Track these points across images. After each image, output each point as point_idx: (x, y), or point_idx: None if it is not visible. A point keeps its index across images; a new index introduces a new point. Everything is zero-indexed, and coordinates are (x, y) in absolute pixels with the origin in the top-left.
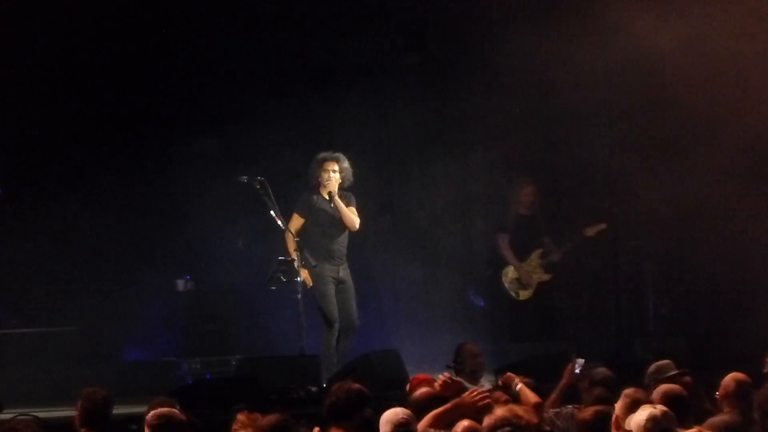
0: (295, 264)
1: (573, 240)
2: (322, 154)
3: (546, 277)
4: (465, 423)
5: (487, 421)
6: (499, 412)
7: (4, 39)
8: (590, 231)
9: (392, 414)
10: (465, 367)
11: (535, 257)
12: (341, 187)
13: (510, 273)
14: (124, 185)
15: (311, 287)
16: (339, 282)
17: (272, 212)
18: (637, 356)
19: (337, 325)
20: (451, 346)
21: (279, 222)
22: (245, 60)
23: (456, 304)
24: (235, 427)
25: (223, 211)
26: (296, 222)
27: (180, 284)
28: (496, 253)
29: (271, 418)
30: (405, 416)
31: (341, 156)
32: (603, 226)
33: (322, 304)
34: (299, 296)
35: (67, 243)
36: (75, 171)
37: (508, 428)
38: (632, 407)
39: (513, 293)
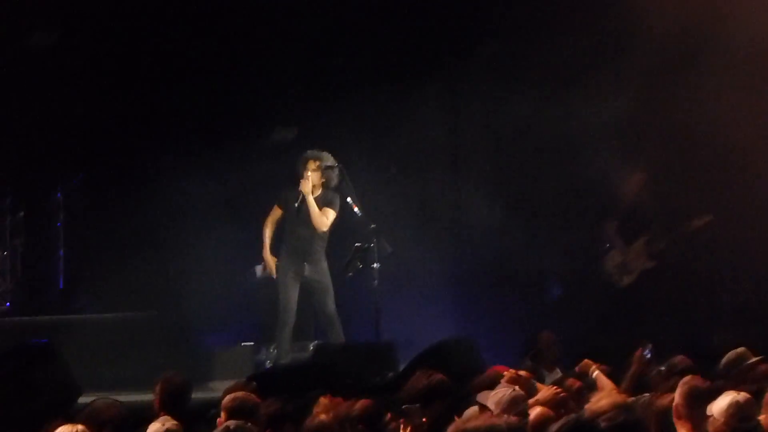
0: (264, 252)
1: (680, 229)
2: (307, 152)
3: (650, 264)
4: (539, 410)
5: (596, 407)
6: (605, 401)
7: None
8: (697, 222)
9: None
10: (542, 356)
11: (640, 244)
12: (325, 186)
13: (615, 259)
14: (202, 171)
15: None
16: (308, 281)
17: (348, 199)
18: (714, 345)
19: (286, 318)
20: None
21: (356, 209)
22: (323, 51)
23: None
24: (316, 410)
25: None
26: (275, 213)
27: (258, 270)
28: (601, 239)
29: (362, 404)
30: None
31: (325, 155)
32: (709, 217)
33: (280, 296)
34: (375, 282)
35: (147, 228)
36: (155, 157)
37: (622, 417)
38: (691, 395)
39: (616, 279)
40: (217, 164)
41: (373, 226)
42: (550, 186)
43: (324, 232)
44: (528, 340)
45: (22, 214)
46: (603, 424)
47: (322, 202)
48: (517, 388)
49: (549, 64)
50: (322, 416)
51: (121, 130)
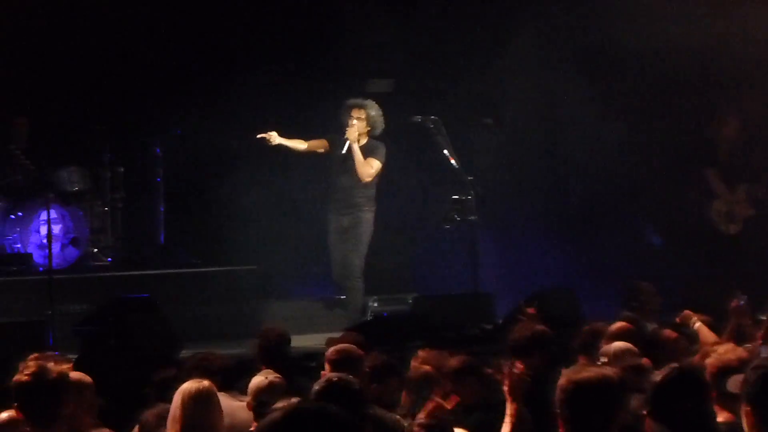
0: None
1: None
2: (350, 100)
3: (751, 212)
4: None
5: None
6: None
7: None
8: None
9: None
10: (644, 306)
11: (741, 191)
12: (370, 135)
13: (718, 206)
14: (299, 127)
15: None
16: (342, 231)
17: (445, 151)
18: None
19: (336, 277)
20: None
21: (452, 161)
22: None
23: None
24: (414, 363)
25: (397, 150)
26: (317, 141)
27: None
28: (701, 188)
29: (458, 360)
30: None
31: (370, 103)
32: None
33: (330, 250)
34: (474, 235)
35: (245, 182)
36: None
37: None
38: None
39: (723, 227)
40: (313, 119)
41: (470, 178)
42: (653, 129)
43: (368, 182)
44: (627, 289)
45: (121, 169)
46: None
47: (366, 152)
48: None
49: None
50: (425, 368)
51: (217, 83)
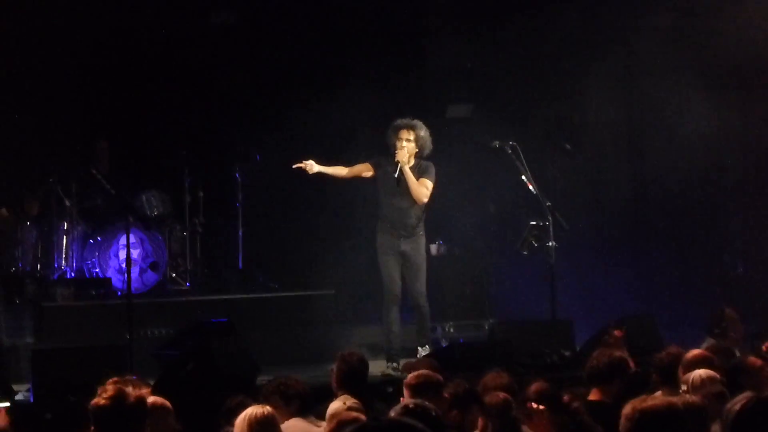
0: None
1: None
2: (398, 121)
3: None
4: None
5: None
6: None
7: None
8: None
9: None
10: (728, 332)
11: None
12: (419, 156)
13: None
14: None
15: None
16: (402, 256)
17: (523, 177)
18: None
19: (392, 297)
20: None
21: (531, 187)
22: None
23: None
24: (486, 387)
25: (474, 175)
26: (361, 165)
27: (433, 249)
28: None
29: (536, 387)
30: None
31: (418, 123)
32: None
33: (382, 273)
34: (552, 261)
35: (322, 208)
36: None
37: None
38: None
39: None
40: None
41: (548, 203)
42: (732, 160)
43: (423, 204)
44: (711, 316)
45: (201, 194)
46: None
47: (418, 173)
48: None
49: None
50: (503, 394)
51: (297, 109)
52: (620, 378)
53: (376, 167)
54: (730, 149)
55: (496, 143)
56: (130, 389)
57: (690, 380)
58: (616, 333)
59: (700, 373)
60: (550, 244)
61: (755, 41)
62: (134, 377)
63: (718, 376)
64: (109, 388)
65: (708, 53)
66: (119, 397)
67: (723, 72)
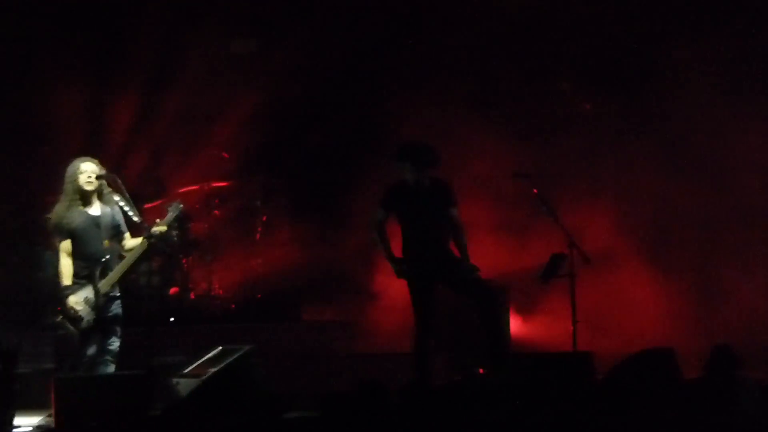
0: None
1: None
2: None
3: None
4: None
5: None
6: None
7: None
8: None
9: None
10: None
11: None
12: None
13: None
14: None
15: None
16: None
17: (544, 208)
18: None
19: (423, 327)
20: None
21: (552, 217)
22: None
23: None
24: None
25: (496, 205)
26: (378, 215)
27: None
28: None
29: None
30: None
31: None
32: None
33: (414, 305)
34: (571, 291)
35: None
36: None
37: None
38: None
39: None
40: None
41: (570, 237)
42: None
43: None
44: None
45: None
46: None
47: None
48: None
49: None
50: None
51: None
52: None
53: (396, 207)
54: None
55: (518, 173)
56: None
57: None
58: None
59: None
60: (571, 273)
61: None
62: None
63: None
64: None
65: None
66: None
67: None
